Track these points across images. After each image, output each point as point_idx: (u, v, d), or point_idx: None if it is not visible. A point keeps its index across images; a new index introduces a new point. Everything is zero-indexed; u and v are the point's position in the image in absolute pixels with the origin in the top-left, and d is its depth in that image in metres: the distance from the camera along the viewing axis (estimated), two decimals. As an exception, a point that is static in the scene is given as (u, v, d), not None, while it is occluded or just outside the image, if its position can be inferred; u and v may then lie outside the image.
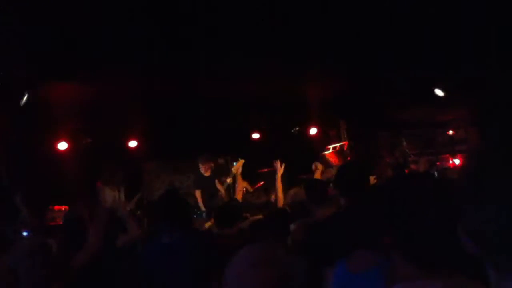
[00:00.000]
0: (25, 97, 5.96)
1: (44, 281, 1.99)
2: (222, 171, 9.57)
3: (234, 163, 6.78)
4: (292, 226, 3.74)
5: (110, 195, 7.11)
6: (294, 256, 2.90)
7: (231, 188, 7.28)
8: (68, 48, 5.18)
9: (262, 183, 7.91)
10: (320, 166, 6.12)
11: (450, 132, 10.13)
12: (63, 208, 7.10)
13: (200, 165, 7.89)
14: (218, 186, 7.44)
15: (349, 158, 8.34)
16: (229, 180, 7.41)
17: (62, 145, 8.06)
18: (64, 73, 5.80)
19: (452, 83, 7.05)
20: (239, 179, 6.29)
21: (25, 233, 5.66)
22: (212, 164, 8.00)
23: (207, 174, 7.89)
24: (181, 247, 3.01)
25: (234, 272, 1.54)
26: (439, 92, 7.40)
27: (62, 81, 6.18)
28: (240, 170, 6.54)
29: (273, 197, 5.25)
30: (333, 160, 8.05)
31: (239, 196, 5.59)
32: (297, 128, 9.56)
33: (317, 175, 5.81)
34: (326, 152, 8.43)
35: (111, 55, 5.37)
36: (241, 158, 7.00)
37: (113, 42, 5.14)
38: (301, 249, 3.09)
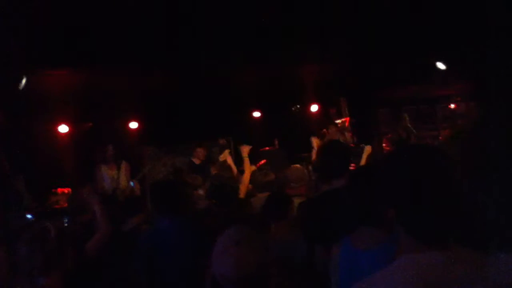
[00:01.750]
0: (24, 81, 5.93)
1: (42, 267, 2.01)
2: (224, 151, 9.56)
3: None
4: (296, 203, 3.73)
5: (108, 174, 7.04)
6: (290, 233, 2.94)
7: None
8: (67, 33, 5.15)
9: (264, 161, 7.91)
10: (316, 142, 6.05)
11: (452, 105, 10.08)
12: (66, 191, 7.13)
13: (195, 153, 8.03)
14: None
15: (350, 134, 8.33)
16: (221, 157, 7.48)
17: (63, 128, 8.06)
18: (63, 58, 5.78)
19: (453, 57, 6.98)
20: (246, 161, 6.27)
21: (29, 216, 5.70)
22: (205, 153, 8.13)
23: (198, 162, 8.00)
24: (176, 232, 3.05)
25: (218, 250, 1.58)
26: (441, 66, 7.34)
27: (61, 66, 6.16)
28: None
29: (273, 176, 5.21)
30: (335, 137, 8.03)
31: (247, 176, 5.52)
32: (298, 106, 9.52)
33: (314, 153, 5.77)
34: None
35: (111, 39, 5.33)
36: (244, 140, 7.04)
37: (112, 26, 5.10)
38: (303, 226, 3.11)
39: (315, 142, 5.98)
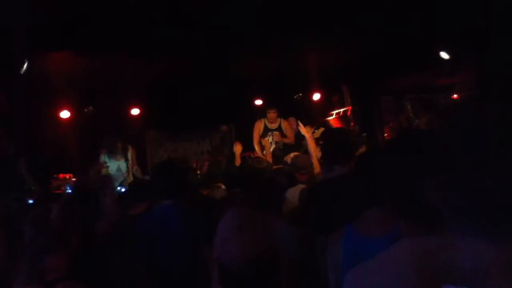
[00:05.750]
0: (25, 65, 5.91)
1: (46, 246, 2.01)
2: (226, 138, 9.58)
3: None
4: (294, 190, 3.74)
5: (114, 165, 7.11)
6: (282, 222, 2.93)
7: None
8: (69, 16, 5.11)
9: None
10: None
11: (455, 96, 10.02)
12: (68, 176, 7.15)
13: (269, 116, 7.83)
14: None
15: (352, 124, 8.32)
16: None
17: (65, 114, 8.05)
18: (65, 42, 5.75)
19: (457, 46, 6.94)
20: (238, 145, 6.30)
21: (30, 201, 5.72)
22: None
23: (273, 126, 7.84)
24: (174, 214, 3.07)
25: (221, 236, 1.54)
26: (444, 55, 7.29)
27: (63, 50, 6.13)
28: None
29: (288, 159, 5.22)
30: (337, 125, 8.03)
31: (238, 161, 5.61)
32: (300, 94, 9.48)
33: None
34: (330, 118, 8.40)
35: (113, 23, 5.30)
36: (245, 127, 7.09)
37: (114, 10, 5.07)
38: (302, 214, 3.11)
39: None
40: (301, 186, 3.88)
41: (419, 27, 5.90)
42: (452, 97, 10.00)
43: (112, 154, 7.08)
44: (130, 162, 7.14)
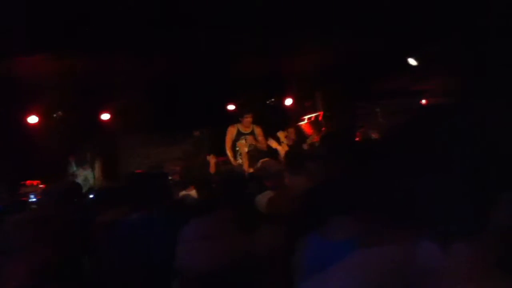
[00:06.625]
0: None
1: (5, 257, 1.97)
2: (199, 143, 9.52)
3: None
4: (262, 196, 3.74)
5: (81, 173, 7.08)
6: (262, 226, 2.93)
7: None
8: (37, 19, 5.02)
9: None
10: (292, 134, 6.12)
11: (423, 101, 10.20)
12: (35, 183, 7.00)
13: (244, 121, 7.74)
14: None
15: (323, 129, 8.40)
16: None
17: (33, 119, 7.88)
18: (33, 46, 5.64)
19: (427, 52, 7.07)
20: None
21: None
22: None
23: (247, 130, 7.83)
24: (149, 223, 3.03)
25: (184, 247, 1.49)
26: (412, 62, 7.45)
27: (31, 54, 6.01)
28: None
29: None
30: (308, 130, 8.10)
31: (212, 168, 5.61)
32: (273, 100, 9.51)
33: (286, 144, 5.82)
34: (301, 123, 8.46)
35: (84, 27, 5.23)
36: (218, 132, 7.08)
37: (86, 13, 5.00)
38: (282, 219, 3.10)
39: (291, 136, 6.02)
40: (270, 193, 3.88)
41: (395, 32, 6.00)
42: (421, 102, 10.19)
43: (80, 163, 7.08)
44: (96, 172, 7.16)
